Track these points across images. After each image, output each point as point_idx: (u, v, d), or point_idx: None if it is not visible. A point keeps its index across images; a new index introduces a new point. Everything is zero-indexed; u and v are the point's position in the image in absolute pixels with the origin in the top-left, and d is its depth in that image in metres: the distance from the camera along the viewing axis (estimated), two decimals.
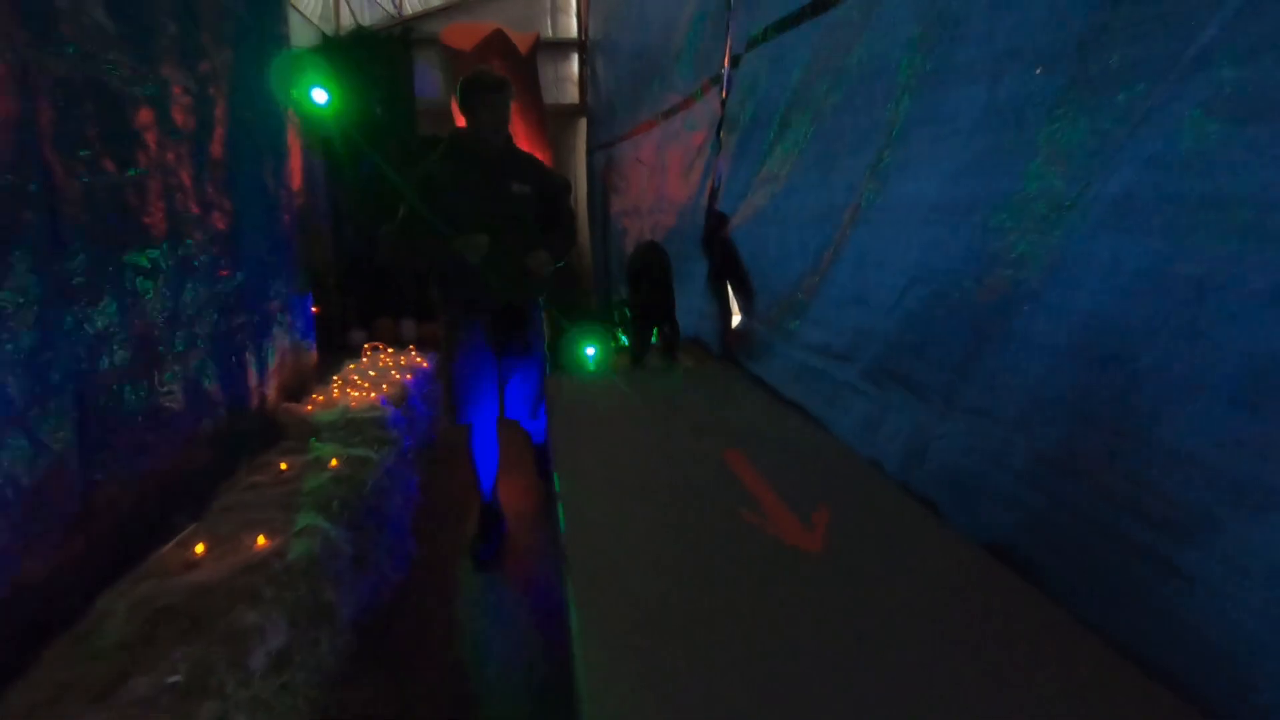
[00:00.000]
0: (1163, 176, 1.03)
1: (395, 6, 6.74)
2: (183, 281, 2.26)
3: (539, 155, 2.86)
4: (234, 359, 2.64)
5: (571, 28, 6.77)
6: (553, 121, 6.21)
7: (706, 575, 1.26)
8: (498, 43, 5.25)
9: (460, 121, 2.47)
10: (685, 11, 3.52)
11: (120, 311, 1.92)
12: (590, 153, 6.54)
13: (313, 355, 3.55)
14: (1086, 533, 1.14)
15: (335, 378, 3.67)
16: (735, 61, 2.95)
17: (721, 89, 3.11)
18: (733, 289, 3.07)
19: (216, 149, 2.51)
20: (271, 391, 2.99)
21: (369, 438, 2.91)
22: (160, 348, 2.12)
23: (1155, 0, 1.05)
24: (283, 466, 2.50)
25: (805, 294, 2.31)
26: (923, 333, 1.66)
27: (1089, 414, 1.15)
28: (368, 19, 6.49)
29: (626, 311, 3.02)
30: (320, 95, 2.28)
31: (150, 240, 2.07)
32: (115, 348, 1.90)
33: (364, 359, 4.20)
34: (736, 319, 3.09)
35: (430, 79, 5.94)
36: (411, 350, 4.54)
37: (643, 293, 2.76)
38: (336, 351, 4.50)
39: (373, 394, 3.37)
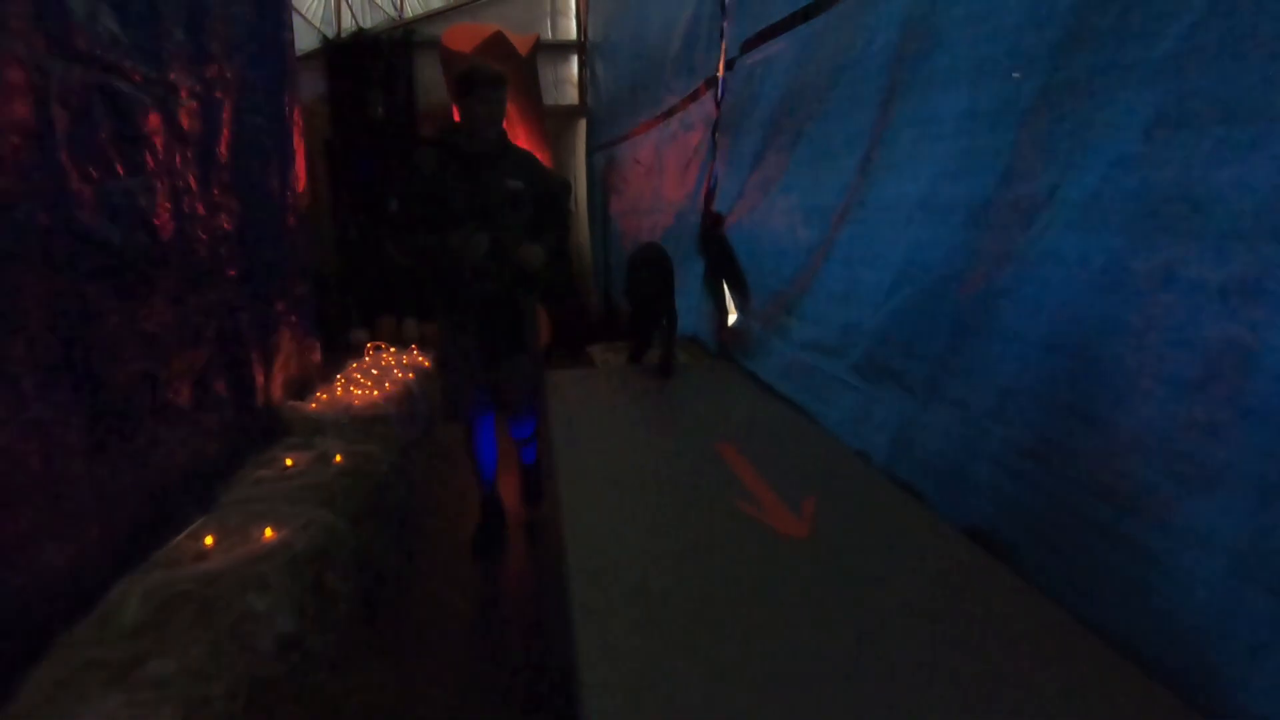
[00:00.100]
0: (1124, 177, 1.09)
1: (396, 9, 6.81)
2: (190, 281, 2.32)
3: (539, 156, 2.87)
4: (240, 357, 2.70)
5: (571, 30, 6.83)
6: (552, 122, 6.27)
7: (699, 562, 1.30)
8: (498, 45, 5.30)
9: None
10: (682, 15, 3.58)
11: (130, 310, 1.98)
12: (590, 153, 6.59)
13: (316, 354, 3.61)
14: (1057, 515, 1.20)
15: (338, 376, 3.72)
16: (729, 65, 3.01)
17: (716, 91, 3.17)
18: (728, 287, 3.12)
19: (223, 151, 2.57)
20: (276, 389, 3.05)
21: (372, 434, 2.98)
22: (168, 346, 2.19)
23: (1118, 11, 1.11)
24: (288, 462, 2.56)
25: (798, 291, 2.37)
26: (909, 328, 1.72)
27: (1057, 402, 1.21)
28: (369, 21, 6.56)
29: (626, 309, 3.06)
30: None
31: (159, 240, 2.14)
32: (125, 345, 1.96)
33: (366, 358, 4.26)
34: (733, 317, 3.14)
35: (431, 81, 6.00)
36: (413, 349, 4.60)
37: (643, 292, 2.79)
38: (339, 351, 4.56)
39: (375, 392, 3.43)
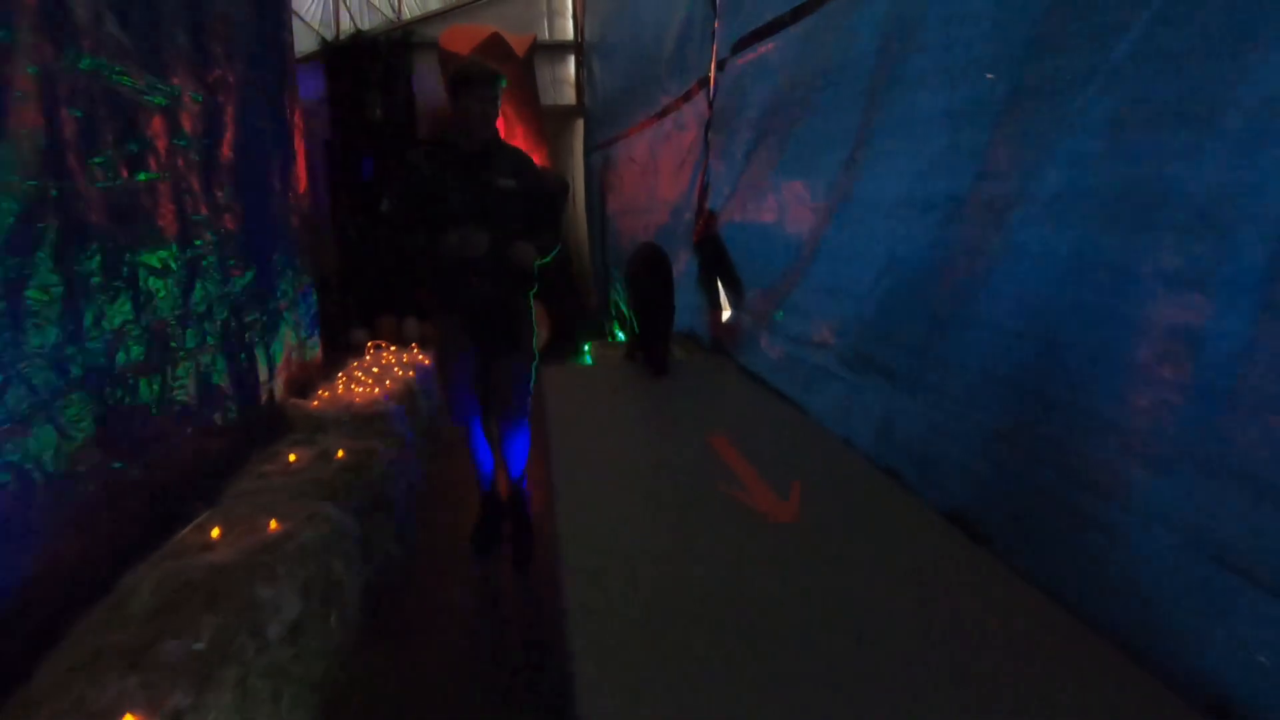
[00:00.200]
0: (1086, 174, 1.15)
1: (394, 11, 6.86)
2: (194, 281, 2.37)
3: (536, 156, 2.90)
4: (243, 355, 2.75)
5: (568, 30, 6.87)
6: (550, 123, 6.32)
7: (692, 557, 1.34)
8: (495, 46, 5.35)
9: None
10: (675, 16, 3.63)
11: (135, 309, 2.04)
12: (588, 153, 6.64)
13: (318, 352, 3.66)
14: (1026, 496, 1.25)
15: (340, 374, 3.77)
16: (721, 65, 3.06)
17: (709, 91, 3.22)
18: (722, 284, 3.17)
19: (226, 153, 2.62)
20: (279, 387, 3.11)
21: (373, 431, 3.03)
22: (173, 344, 2.24)
23: (1079, 16, 1.17)
24: (291, 458, 2.61)
25: (788, 286, 2.42)
26: (891, 319, 1.78)
27: (1025, 388, 1.27)
28: (367, 23, 6.61)
29: (624, 308, 3.10)
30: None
31: (163, 241, 2.19)
32: (131, 343, 2.02)
33: (367, 357, 4.31)
34: (726, 313, 3.19)
35: (429, 82, 6.05)
36: (414, 348, 4.65)
37: (642, 294, 2.83)
38: (340, 349, 4.62)
39: (376, 390, 3.48)
